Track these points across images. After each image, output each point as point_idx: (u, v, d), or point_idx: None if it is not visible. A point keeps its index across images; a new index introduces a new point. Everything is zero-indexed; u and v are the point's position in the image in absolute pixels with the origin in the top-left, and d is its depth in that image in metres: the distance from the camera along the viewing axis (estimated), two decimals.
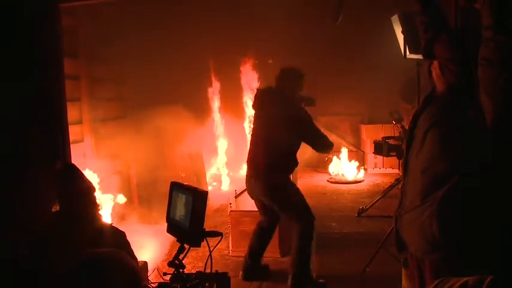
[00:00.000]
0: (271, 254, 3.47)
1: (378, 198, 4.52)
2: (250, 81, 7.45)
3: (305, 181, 6.72)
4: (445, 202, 1.48)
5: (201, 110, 6.73)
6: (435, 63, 1.60)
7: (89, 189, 2.03)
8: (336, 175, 6.89)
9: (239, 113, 7.40)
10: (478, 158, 1.45)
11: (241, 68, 7.32)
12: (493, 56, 1.28)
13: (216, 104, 7.11)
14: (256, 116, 3.03)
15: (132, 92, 5.27)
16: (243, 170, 7.02)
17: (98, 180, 3.67)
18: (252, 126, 3.16)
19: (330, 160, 6.96)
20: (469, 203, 1.45)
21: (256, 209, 3.60)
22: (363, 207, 4.60)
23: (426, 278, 1.62)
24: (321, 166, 7.51)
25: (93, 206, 2.03)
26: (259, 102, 2.97)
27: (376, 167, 7.13)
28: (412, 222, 1.60)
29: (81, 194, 1.99)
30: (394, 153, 3.90)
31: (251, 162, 2.98)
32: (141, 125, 4.75)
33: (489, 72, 1.31)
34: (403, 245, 1.70)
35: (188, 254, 1.50)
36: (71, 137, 2.96)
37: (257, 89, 3.18)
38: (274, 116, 2.81)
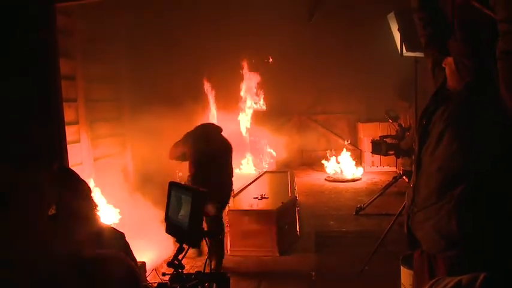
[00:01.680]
0: (270, 253, 3.48)
1: (375, 196, 4.53)
2: (248, 80, 7.47)
3: (302, 180, 6.73)
4: (463, 200, 1.48)
5: (197, 108, 6.74)
6: (449, 59, 1.59)
7: (85, 189, 2.02)
8: (333, 173, 6.91)
9: (235, 109, 7.42)
10: (496, 157, 1.45)
11: (239, 68, 7.33)
12: (510, 47, 1.28)
13: (212, 101, 7.11)
14: None
15: (128, 92, 5.25)
16: (241, 169, 7.17)
17: (93, 184, 3.66)
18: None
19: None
20: (487, 201, 1.46)
21: (255, 208, 3.62)
22: (361, 206, 4.61)
23: (438, 274, 1.60)
24: (319, 164, 7.56)
25: (91, 206, 2.02)
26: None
27: (373, 165, 7.16)
28: (427, 219, 1.59)
29: (78, 194, 1.98)
30: (392, 152, 3.92)
31: None
32: (137, 125, 4.75)
33: (507, 63, 1.30)
34: (414, 242, 1.69)
35: (187, 254, 1.50)
36: (68, 138, 2.95)
37: None
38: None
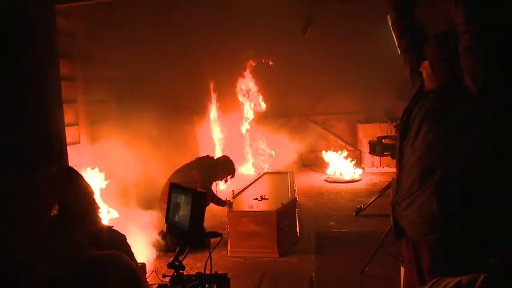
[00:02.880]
0: (270, 255, 3.49)
1: (375, 197, 4.53)
2: (248, 81, 7.48)
3: (302, 181, 6.73)
4: (442, 182, 1.63)
5: (198, 110, 6.76)
6: (425, 63, 1.76)
7: (87, 190, 2.03)
8: (333, 174, 6.92)
9: (236, 111, 7.42)
10: (469, 142, 1.60)
11: (240, 70, 7.35)
12: (469, 44, 1.49)
13: (213, 103, 7.13)
14: None
15: (128, 94, 5.26)
16: (242, 169, 7.18)
17: (99, 183, 3.66)
18: None
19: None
20: (464, 181, 1.60)
21: (255, 210, 3.63)
22: (360, 207, 4.62)
23: (423, 260, 1.71)
24: (318, 165, 7.56)
25: (92, 207, 2.03)
26: None
27: (373, 166, 7.16)
28: (410, 206, 1.71)
29: (80, 195, 1.99)
30: (388, 153, 3.94)
31: None
32: (137, 127, 4.75)
33: (469, 57, 1.50)
34: (400, 232, 1.80)
35: (187, 255, 1.51)
36: (68, 139, 2.95)
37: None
38: None
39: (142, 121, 4.88)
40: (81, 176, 2.08)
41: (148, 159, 4.63)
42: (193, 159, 4.21)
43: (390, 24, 2.03)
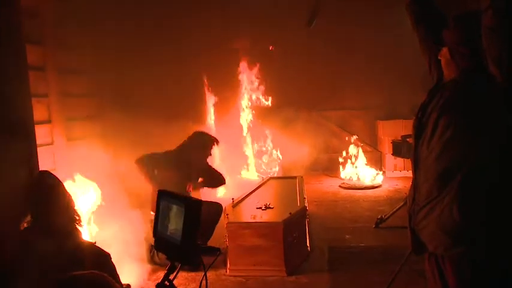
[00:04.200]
0: (276, 273, 3.47)
1: (399, 206, 4.51)
2: (248, 76, 7.48)
3: (313, 187, 6.72)
4: (464, 187, 1.61)
5: (193, 111, 6.75)
6: (444, 49, 1.77)
7: (66, 200, 2.02)
8: (349, 179, 6.91)
9: (234, 105, 7.42)
10: (495, 138, 1.60)
11: (238, 60, 7.35)
12: (493, 22, 1.47)
13: (211, 103, 7.13)
14: None
15: (110, 87, 5.26)
16: (243, 174, 7.18)
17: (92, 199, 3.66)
18: None
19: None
20: (490, 184, 1.59)
21: (258, 220, 3.62)
22: (381, 217, 4.60)
23: (448, 278, 1.69)
24: (332, 169, 7.55)
25: (70, 220, 2.01)
26: None
27: (396, 170, 7.16)
28: (429, 215, 1.70)
29: (57, 206, 1.97)
30: None
31: None
32: (122, 125, 4.75)
33: (492, 38, 1.49)
34: (420, 245, 1.79)
35: (179, 274, 1.50)
36: (38, 140, 2.93)
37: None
38: None
39: (128, 118, 4.88)
40: (59, 183, 2.07)
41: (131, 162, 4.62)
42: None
43: (405, 8, 2.05)
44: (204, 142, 4.05)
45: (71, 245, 1.99)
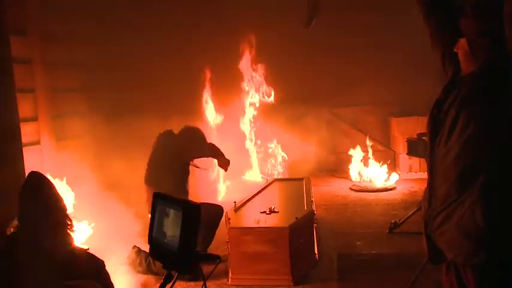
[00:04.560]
0: (282, 282, 3.47)
1: (414, 210, 4.49)
2: (252, 66, 7.46)
3: (321, 189, 6.69)
4: (488, 186, 1.59)
5: (189, 106, 6.76)
6: (462, 41, 1.75)
7: (56, 205, 2.01)
8: (360, 181, 6.89)
9: (236, 101, 7.41)
10: None
11: (241, 52, 7.33)
12: None
13: (209, 98, 7.12)
14: None
15: (101, 81, 5.26)
16: (246, 175, 7.15)
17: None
18: None
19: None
20: None
21: (263, 225, 3.62)
22: (395, 222, 4.59)
23: None
24: (341, 170, 7.53)
25: (62, 226, 2.01)
26: None
27: (411, 171, 7.12)
28: (448, 220, 1.68)
29: (45, 211, 1.97)
30: None
31: None
32: (116, 123, 4.76)
33: None
34: (438, 254, 1.77)
35: (176, 284, 1.51)
36: (24, 138, 2.92)
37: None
38: None
39: (122, 117, 4.89)
40: (50, 185, 2.06)
41: (127, 165, 4.63)
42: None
43: None
44: (193, 135, 4.10)
45: (63, 252, 1.98)
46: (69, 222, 2.06)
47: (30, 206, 2.00)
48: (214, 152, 4.31)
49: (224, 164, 4.31)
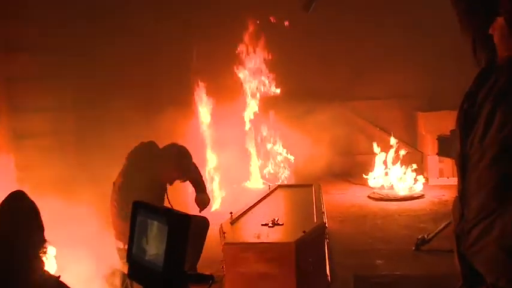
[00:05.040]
0: None
1: (446, 223, 4.48)
2: (253, 57, 7.47)
3: (334, 197, 6.71)
4: None
5: (180, 99, 6.78)
6: (499, 20, 1.76)
7: (29, 222, 2.02)
8: (380, 188, 6.91)
9: (234, 94, 7.41)
10: None
11: (240, 37, 7.35)
12: None
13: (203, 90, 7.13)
14: None
15: (73, 68, 5.27)
16: (245, 182, 7.14)
17: None
18: None
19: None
20: None
21: (264, 241, 3.61)
22: (423, 237, 4.59)
23: None
24: (358, 175, 7.54)
25: (38, 247, 2.03)
26: None
27: (442, 176, 7.14)
28: (486, 235, 1.68)
29: (20, 227, 1.99)
30: None
31: None
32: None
33: None
34: (473, 276, 1.78)
35: None
36: None
37: None
38: None
39: (98, 109, 4.90)
40: (25, 200, 2.08)
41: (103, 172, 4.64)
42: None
43: None
44: (176, 157, 3.92)
45: (30, 282, 1.99)
46: (45, 249, 2.10)
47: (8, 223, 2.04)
48: (197, 181, 4.20)
49: (202, 202, 4.14)
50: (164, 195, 3.88)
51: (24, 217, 2.06)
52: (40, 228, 2.10)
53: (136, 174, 3.68)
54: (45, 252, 2.09)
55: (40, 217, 2.11)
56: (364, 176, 7.24)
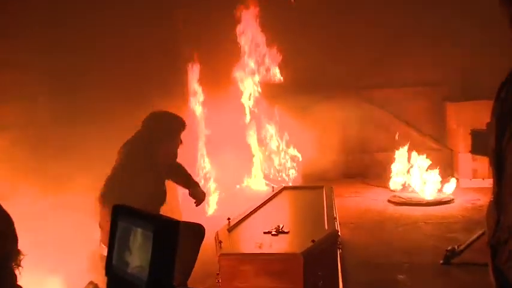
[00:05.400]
0: None
1: (480, 232, 4.48)
2: (253, 37, 7.47)
3: (348, 201, 6.72)
4: None
5: (169, 87, 6.79)
6: None
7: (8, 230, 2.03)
8: (402, 191, 6.93)
9: (232, 91, 7.44)
10: None
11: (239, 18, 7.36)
12: None
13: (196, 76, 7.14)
14: None
15: (44, 49, 5.30)
16: (245, 182, 7.15)
17: None
18: None
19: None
20: None
21: (267, 252, 3.61)
22: (453, 249, 4.58)
23: None
24: (376, 175, 7.56)
25: (11, 259, 2.04)
26: None
27: (475, 177, 7.15)
28: None
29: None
30: None
31: None
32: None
33: None
34: None
35: None
36: None
37: None
38: None
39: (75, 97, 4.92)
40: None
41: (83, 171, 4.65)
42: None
43: None
44: (170, 125, 4.09)
45: None
46: (18, 255, 2.11)
47: None
48: (186, 176, 4.32)
49: (197, 196, 4.28)
50: (164, 182, 4.11)
51: None
52: (14, 238, 2.11)
53: (135, 159, 3.90)
54: (18, 265, 2.11)
55: (14, 227, 2.12)
56: (383, 176, 7.25)
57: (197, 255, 3.97)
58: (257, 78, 7.59)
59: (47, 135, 4.95)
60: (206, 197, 6.28)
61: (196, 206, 4.27)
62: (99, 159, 4.24)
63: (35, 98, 5.21)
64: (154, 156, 3.97)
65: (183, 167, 4.37)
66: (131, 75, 6.16)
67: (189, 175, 4.41)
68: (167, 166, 4.15)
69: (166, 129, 4.06)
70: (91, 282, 3.82)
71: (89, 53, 5.54)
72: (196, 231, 4.00)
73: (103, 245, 3.66)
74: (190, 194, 4.30)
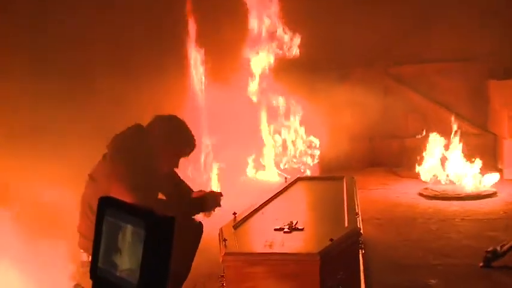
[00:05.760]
0: None
1: None
2: (263, 7, 7.47)
3: (372, 194, 6.77)
4: None
5: (170, 62, 6.81)
6: None
7: None
8: (436, 183, 6.94)
9: (238, 56, 7.45)
10: None
11: None
12: None
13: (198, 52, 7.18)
14: None
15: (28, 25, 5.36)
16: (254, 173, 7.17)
17: None
18: None
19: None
20: None
21: (278, 251, 3.62)
22: (495, 250, 4.56)
23: None
24: (406, 165, 7.56)
25: None
26: None
27: None
28: None
29: None
30: None
31: None
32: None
33: None
34: None
35: None
36: None
37: None
38: None
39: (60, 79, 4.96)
40: None
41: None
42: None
43: None
44: (179, 148, 4.02)
45: None
46: None
47: None
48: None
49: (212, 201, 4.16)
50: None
51: None
52: None
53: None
54: None
55: None
56: (414, 166, 7.25)
57: (194, 255, 4.00)
58: (266, 52, 7.58)
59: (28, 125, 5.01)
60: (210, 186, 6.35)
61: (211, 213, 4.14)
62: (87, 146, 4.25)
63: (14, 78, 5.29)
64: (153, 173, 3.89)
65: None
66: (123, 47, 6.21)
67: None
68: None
69: (173, 149, 3.96)
70: (76, 285, 3.87)
71: (73, 23, 5.61)
72: (195, 228, 4.01)
73: (81, 250, 3.69)
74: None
